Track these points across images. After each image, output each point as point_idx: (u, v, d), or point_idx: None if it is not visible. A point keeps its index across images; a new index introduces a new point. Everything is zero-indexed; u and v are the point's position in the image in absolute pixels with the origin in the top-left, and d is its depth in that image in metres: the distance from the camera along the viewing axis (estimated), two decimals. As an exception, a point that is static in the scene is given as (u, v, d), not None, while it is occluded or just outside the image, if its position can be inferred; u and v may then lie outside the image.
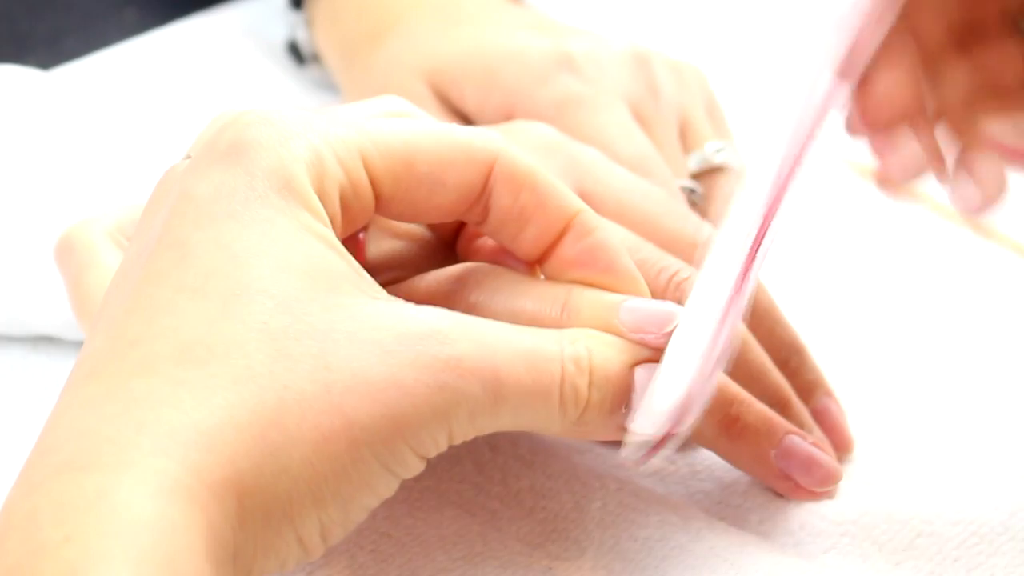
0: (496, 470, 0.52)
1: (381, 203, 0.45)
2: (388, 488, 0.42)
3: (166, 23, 0.76)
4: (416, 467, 0.42)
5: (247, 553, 0.40)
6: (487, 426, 0.43)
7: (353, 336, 0.41)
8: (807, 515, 0.51)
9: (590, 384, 0.44)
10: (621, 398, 0.45)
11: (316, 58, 0.71)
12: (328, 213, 0.44)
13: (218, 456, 0.39)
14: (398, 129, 0.45)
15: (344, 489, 0.41)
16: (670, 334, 0.45)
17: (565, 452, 0.53)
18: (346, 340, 0.41)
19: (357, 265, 0.44)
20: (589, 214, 0.47)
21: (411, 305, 0.43)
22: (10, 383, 0.57)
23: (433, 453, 0.42)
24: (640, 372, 0.45)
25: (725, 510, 0.51)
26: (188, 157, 0.47)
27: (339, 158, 0.44)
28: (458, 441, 0.43)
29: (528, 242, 0.47)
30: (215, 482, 0.39)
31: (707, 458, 0.53)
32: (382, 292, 0.44)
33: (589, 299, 0.46)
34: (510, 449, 0.52)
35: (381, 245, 0.51)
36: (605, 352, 0.45)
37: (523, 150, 0.47)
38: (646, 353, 0.45)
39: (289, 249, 0.42)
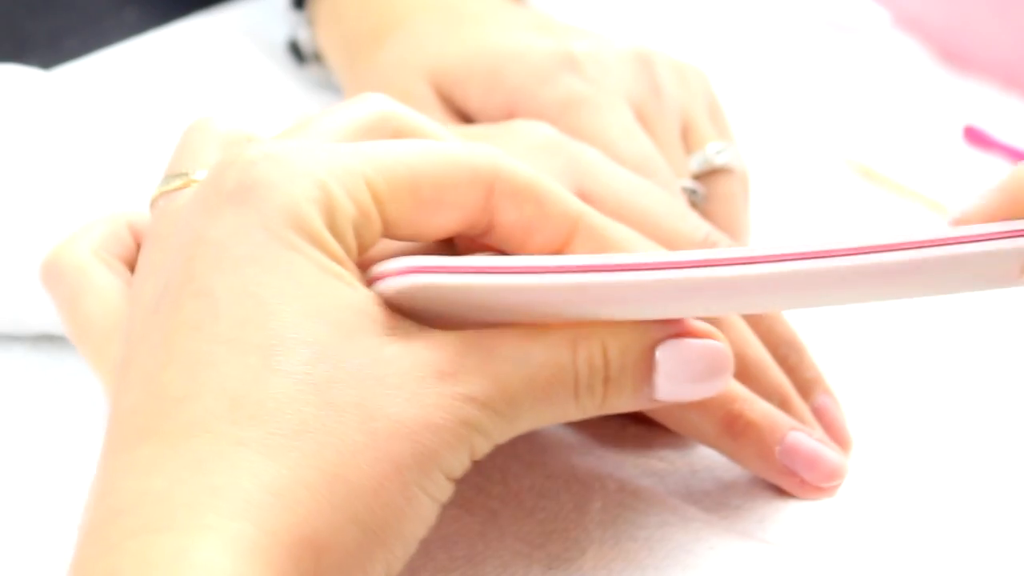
0: (496, 470, 0.52)
1: (386, 227, 0.46)
2: (434, 515, 0.43)
3: (166, 23, 0.76)
4: (451, 489, 0.43)
5: None
6: (505, 437, 0.44)
7: (383, 381, 0.42)
8: (806, 515, 0.51)
9: (606, 380, 0.45)
10: (643, 380, 0.45)
11: (317, 58, 0.71)
12: (345, 248, 0.44)
13: (293, 515, 0.40)
14: (400, 153, 0.45)
15: (405, 528, 0.42)
16: None
17: (565, 452, 0.53)
18: (379, 385, 0.42)
19: (374, 297, 0.44)
20: (592, 215, 0.47)
21: (423, 339, 0.43)
22: (10, 383, 0.57)
23: (461, 474, 0.43)
24: (662, 351, 0.45)
25: (725, 510, 0.51)
26: (176, 175, 0.48)
27: (348, 191, 0.44)
28: (479, 457, 0.44)
29: (535, 249, 0.47)
30: (293, 542, 0.40)
31: (707, 458, 0.53)
32: (400, 322, 0.44)
33: None
34: (510, 449, 0.52)
35: (380, 244, 0.51)
36: (622, 343, 0.45)
37: (522, 153, 0.47)
38: (665, 332, 0.45)
39: (314, 293, 0.43)
